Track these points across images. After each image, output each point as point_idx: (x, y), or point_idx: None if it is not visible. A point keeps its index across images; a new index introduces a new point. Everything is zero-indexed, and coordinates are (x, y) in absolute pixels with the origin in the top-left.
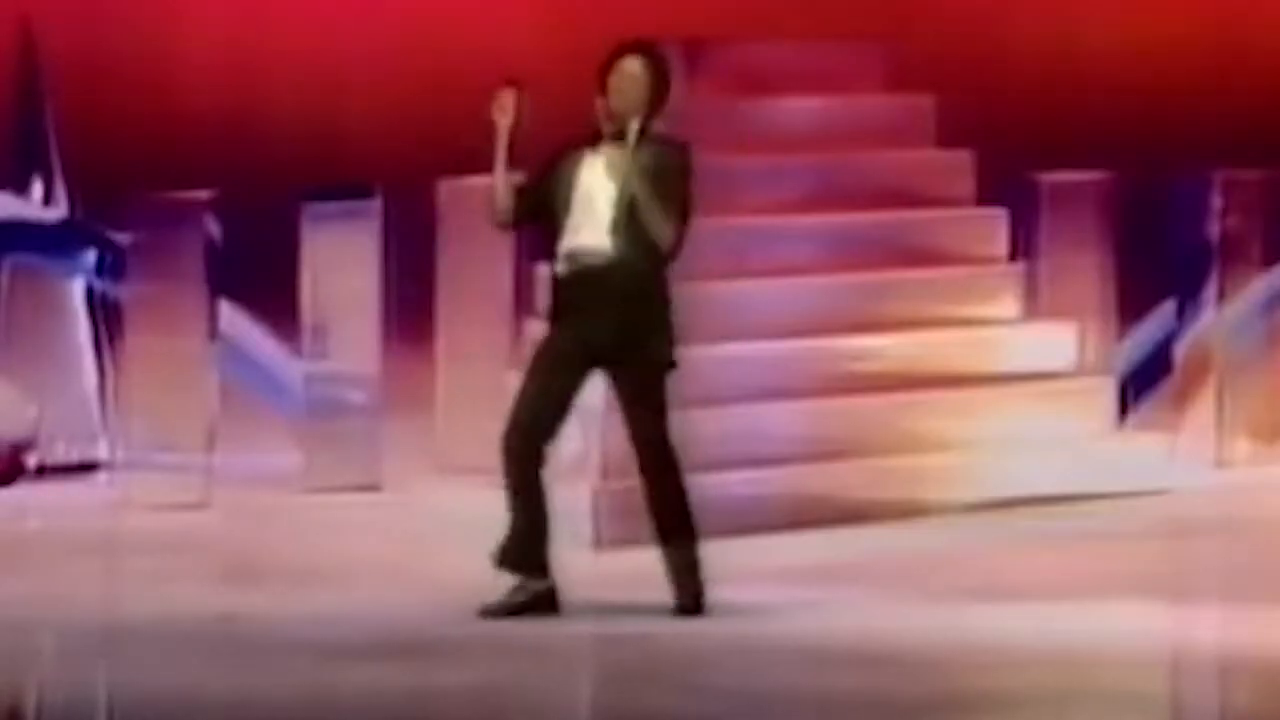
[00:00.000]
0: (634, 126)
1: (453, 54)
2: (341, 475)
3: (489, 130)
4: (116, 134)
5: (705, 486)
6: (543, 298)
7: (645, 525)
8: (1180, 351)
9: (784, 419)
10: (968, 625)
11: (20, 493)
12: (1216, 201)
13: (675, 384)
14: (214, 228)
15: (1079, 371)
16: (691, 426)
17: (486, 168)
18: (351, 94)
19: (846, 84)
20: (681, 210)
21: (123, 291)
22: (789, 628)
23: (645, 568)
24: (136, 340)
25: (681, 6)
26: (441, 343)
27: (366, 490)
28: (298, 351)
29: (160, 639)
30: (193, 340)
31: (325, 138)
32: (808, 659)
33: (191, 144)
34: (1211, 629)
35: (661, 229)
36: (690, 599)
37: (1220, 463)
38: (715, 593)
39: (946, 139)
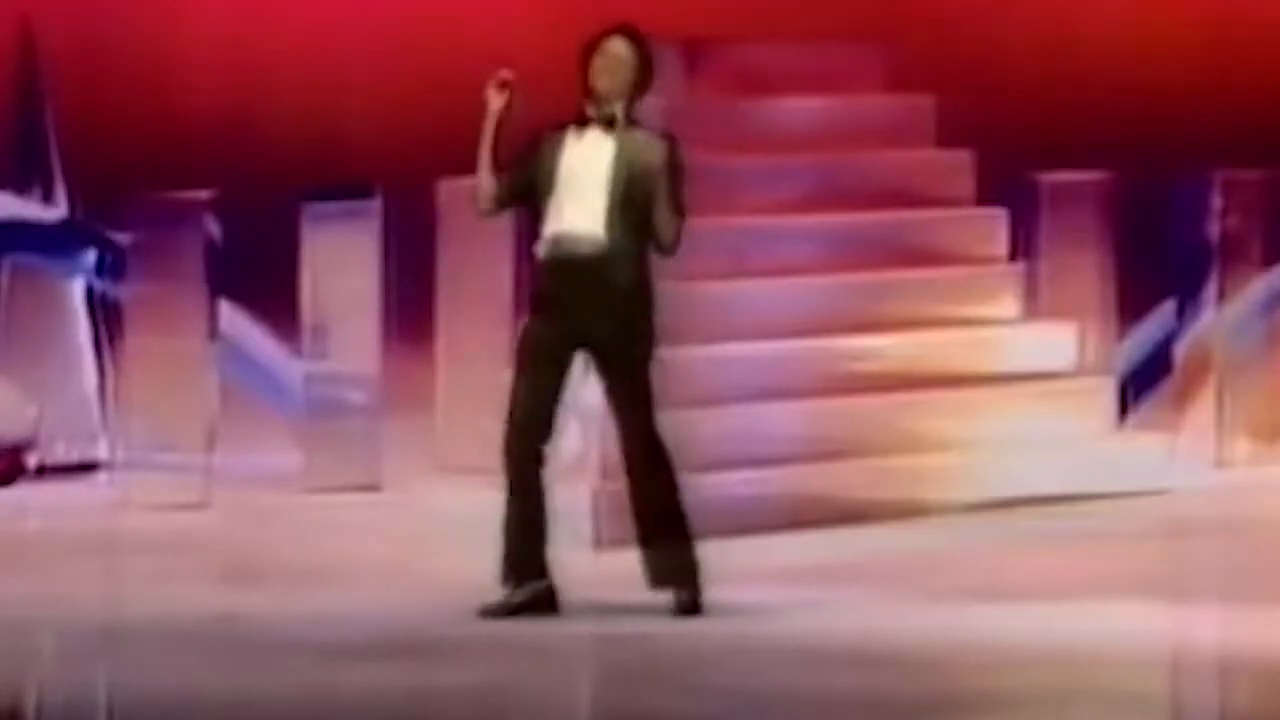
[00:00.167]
0: (619, 109)
1: (453, 54)
2: (341, 475)
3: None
4: (116, 134)
5: (705, 486)
6: None
7: None
8: (1180, 351)
9: (784, 419)
10: (968, 625)
11: (20, 493)
12: (1216, 201)
13: (675, 384)
14: (214, 228)
15: (1079, 371)
16: (691, 426)
17: None
18: (351, 94)
19: (846, 84)
20: (681, 206)
21: (123, 291)
22: (789, 628)
23: None
24: (136, 340)
25: (681, 6)
26: (441, 343)
27: (366, 490)
28: (298, 351)
29: (160, 639)
30: (193, 340)
31: (325, 138)
32: (808, 659)
33: (191, 144)
34: (1211, 629)
35: (668, 227)
36: (689, 600)
37: (1220, 463)
38: (715, 593)
39: (946, 139)
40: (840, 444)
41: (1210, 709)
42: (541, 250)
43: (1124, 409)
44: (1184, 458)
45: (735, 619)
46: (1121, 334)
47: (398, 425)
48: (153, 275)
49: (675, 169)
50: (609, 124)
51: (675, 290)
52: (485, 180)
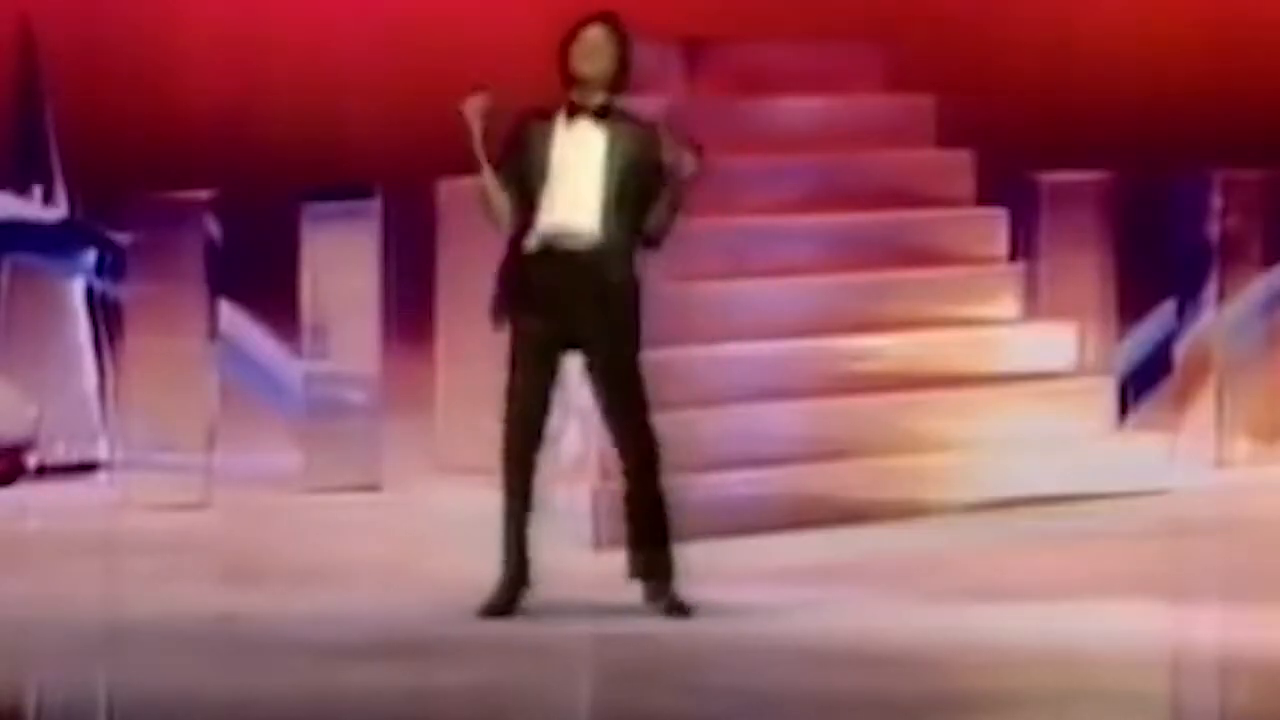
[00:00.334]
0: (601, 99)
1: (453, 54)
2: (341, 475)
3: (487, 130)
4: (116, 134)
5: (705, 486)
6: None
7: None
8: (1180, 351)
9: (784, 419)
10: (968, 625)
11: (20, 493)
12: (1216, 201)
13: (675, 384)
14: (214, 228)
15: (1079, 371)
16: (691, 426)
17: None
18: (351, 94)
19: (846, 84)
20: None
21: (123, 291)
22: (789, 628)
23: None
24: (136, 340)
25: (681, 6)
26: (441, 343)
27: (366, 490)
28: (298, 351)
29: (160, 639)
30: (193, 340)
31: (325, 138)
32: (808, 659)
33: (191, 144)
34: (1211, 629)
35: (666, 223)
36: (673, 602)
37: (1220, 463)
38: (716, 593)
39: (946, 139)
40: (840, 444)
41: (1210, 709)
42: (532, 243)
43: (1124, 409)
44: (1184, 458)
45: (735, 619)
46: (1121, 334)
47: (398, 425)
48: (153, 275)
49: (673, 164)
50: (599, 114)
51: (675, 290)
52: (499, 201)
